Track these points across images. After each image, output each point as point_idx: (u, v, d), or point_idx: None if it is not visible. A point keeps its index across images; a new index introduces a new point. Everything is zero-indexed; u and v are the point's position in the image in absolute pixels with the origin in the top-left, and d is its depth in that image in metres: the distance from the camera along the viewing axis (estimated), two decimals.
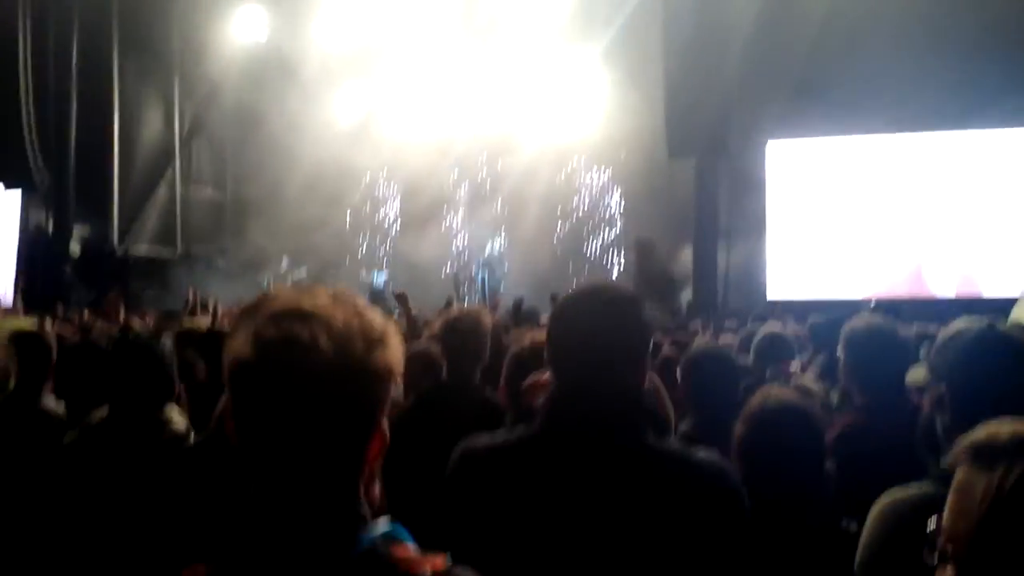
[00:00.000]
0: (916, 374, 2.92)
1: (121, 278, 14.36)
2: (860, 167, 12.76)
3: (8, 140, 13.73)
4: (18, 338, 3.42)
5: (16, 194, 14.54)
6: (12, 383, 3.61)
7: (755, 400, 2.34)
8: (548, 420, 1.93)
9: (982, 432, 1.20)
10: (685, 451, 1.91)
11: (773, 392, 2.38)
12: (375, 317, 1.16)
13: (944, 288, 11.88)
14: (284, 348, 1.08)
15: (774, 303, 11.59)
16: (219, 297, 12.72)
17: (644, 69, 14.19)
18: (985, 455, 1.16)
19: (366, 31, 16.37)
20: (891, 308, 5.57)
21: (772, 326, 5.06)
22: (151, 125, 16.56)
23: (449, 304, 10.80)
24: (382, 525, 1.15)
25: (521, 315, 8.69)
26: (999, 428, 1.18)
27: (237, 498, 2.03)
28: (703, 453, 1.92)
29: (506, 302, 10.35)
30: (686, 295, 13.41)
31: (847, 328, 3.05)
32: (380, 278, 16.77)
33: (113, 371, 2.53)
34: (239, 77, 16.63)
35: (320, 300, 1.14)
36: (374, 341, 1.13)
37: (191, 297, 8.58)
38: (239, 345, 1.10)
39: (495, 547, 1.83)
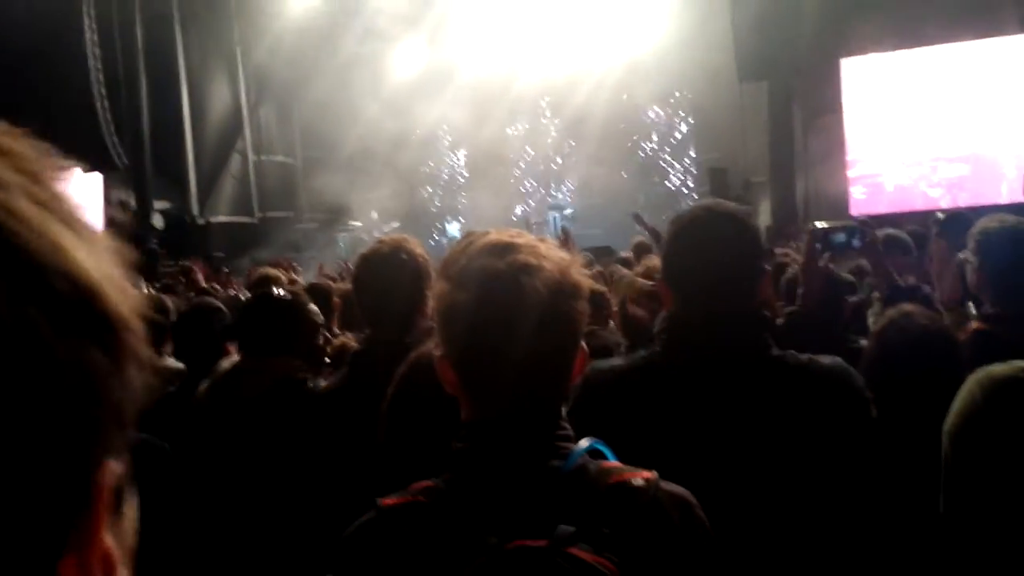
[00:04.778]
0: None
1: (203, 247, 14.76)
2: (936, 78, 12.26)
3: (84, 126, 14.09)
4: None
5: (97, 177, 14.98)
6: None
7: (890, 318, 2.24)
8: (671, 339, 1.93)
9: None
10: (811, 359, 1.90)
11: (908, 312, 2.25)
12: (550, 243, 1.21)
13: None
14: (521, 274, 1.12)
15: (858, 220, 11.30)
16: (296, 258, 13.03)
17: None
18: None
19: None
20: (962, 219, 5.27)
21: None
22: (219, 97, 16.81)
23: None
24: (585, 441, 1.18)
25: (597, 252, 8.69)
26: None
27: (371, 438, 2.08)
28: (827, 359, 1.92)
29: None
30: (764, 220, 13.17)
31: (980, 231, 2.81)
32: (454, 227, 16.90)
33: (252, 323, 2.67)
34: (297, 42, 16.73)
35: (511, 233, 1.19)
36: (568, 263, 1.17)
37: (281, 260, 8.89)
38: (461, 286, 1.14)
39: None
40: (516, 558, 1.04)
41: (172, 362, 3.41)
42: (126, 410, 0.45)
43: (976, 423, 1.71)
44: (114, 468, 0.45)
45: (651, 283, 2.97)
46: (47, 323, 0.40)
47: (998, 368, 1.75)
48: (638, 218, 6.54)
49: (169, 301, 3.64)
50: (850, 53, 12.55)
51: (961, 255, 2.96)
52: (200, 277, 7.14)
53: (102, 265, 0.45)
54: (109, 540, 0.45)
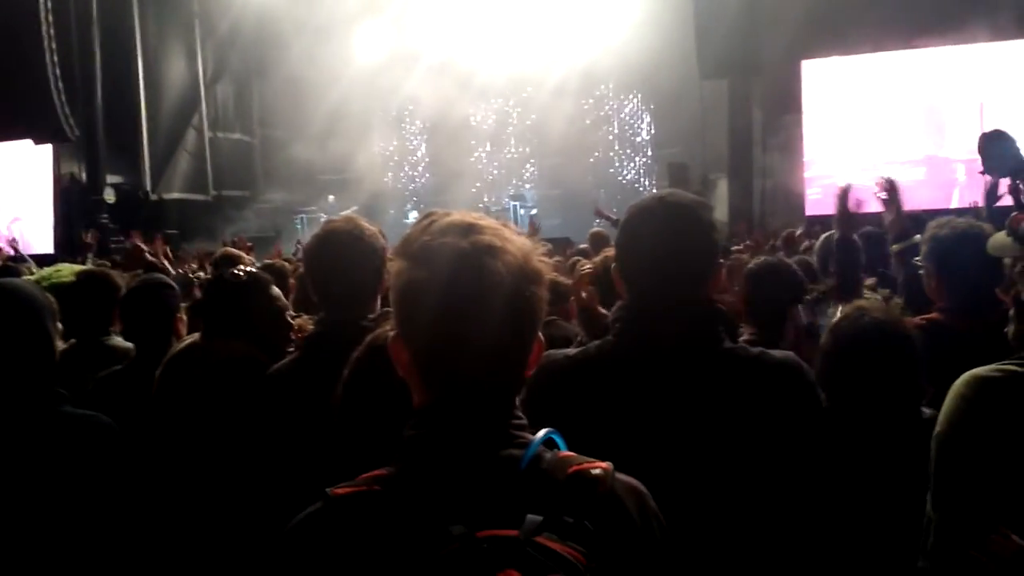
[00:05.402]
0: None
1: (156, 223, 14.45)
2: (894, 83, 12.49)
3: (35, 96, 13.69)
4: (85, 279, 3.48)
5: (47, 149, 14.58)
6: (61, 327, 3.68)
7: (845, 313, 2.25)
8: (624, 330, 1.92)
9: None
10: (762, 352, 1.91)
11: (862, 306, 2.27)
12: (513, 228, 1.19)
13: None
14: (484, 255, 1.10)
15: (814, 219, 11.47)
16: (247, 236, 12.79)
17: None
18: None
19: None
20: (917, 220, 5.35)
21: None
22: (175, 71, 16.46)
23: None
24: (541, 432, 1.17)
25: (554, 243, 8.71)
26: None
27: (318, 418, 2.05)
28: (778, 353, 1.93)
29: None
30: (720, 218, 13.30)
31: (931, 238, 2.90)
32: (412, 214, 16.78)
33: (207, 303, 2.64)
34: (258, 18, 16.46)
35: (474, 215, 1.17)
36: (530, 248, 1.16)
37: (237, 241, 8.75)
38: (421, 264, 1.12)
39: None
40: (488, 548, 1.02)
41: (120, 341, 3.34)
42: None
43: (968, 422, 1.74)
44: None
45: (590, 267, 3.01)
46: None
47: (982, 370, 1.79)
48: (599, 213, 6.62)
49: (119, 278, 3.55)
50: (811, 55, 12.72)
51: (914, 260, 3.04)
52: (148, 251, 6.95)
53: None
54: None
